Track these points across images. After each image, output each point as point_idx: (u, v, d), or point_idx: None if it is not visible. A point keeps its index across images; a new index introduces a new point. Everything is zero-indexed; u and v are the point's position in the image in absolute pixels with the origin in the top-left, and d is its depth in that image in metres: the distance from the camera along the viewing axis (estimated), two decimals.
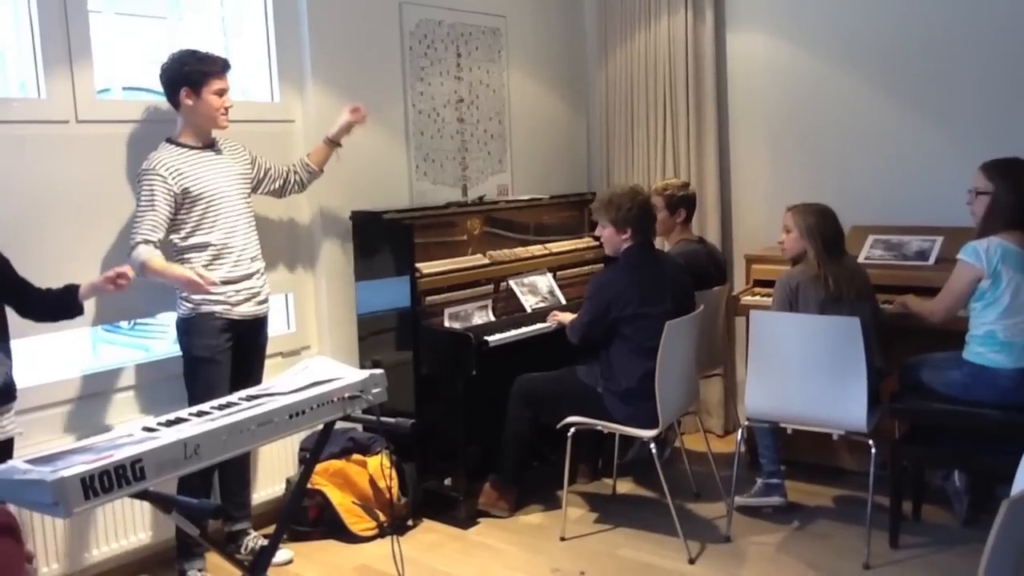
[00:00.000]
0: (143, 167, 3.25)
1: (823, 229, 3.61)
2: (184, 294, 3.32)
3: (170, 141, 3.34)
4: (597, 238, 3.98)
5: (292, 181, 3.77)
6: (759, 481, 3.94)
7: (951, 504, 3.79)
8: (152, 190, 3.21)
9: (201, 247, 3.32)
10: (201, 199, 3.30)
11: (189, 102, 3.30)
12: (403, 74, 4.41)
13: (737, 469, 3.78)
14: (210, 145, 3.42)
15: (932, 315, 3.58)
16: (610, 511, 4.02)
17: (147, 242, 3.18)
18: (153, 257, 3.17)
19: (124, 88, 3.80)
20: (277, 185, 3.73)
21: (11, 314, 2.83)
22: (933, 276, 3.79)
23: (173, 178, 3.23)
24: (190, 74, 3.28)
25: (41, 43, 3.18)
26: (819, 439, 3.85)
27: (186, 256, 3.30)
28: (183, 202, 3.27)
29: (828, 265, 3.56)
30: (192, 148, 3.35)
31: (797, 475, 4.15)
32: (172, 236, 3.28)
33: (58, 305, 2.90)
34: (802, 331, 3.50)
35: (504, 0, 4.96)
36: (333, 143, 3.82)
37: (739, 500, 3.88)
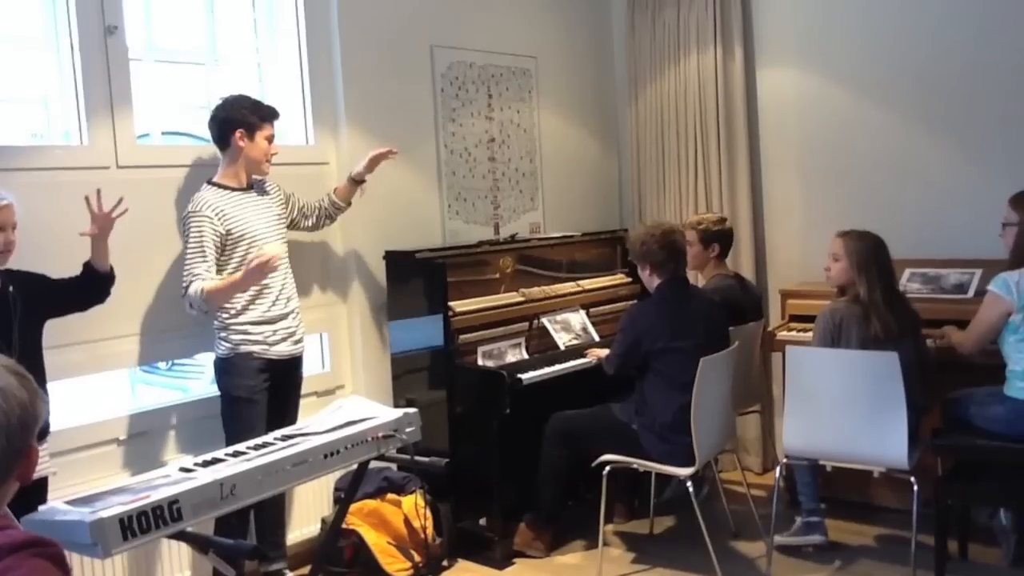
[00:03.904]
0: (189, 210, 3.31)
1: (877, 263, 3.50)
2: (224, 334, 3.37)
3: (211, 183, 3.41)
4: (630, 274, 4.00)
5: (323, 216, 3.84)
6: (799, 519, 3.87)
7: (998, 542, 3.69)
8: (200, 232, 3.27)
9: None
10: (243, 240, 3.36)
11: (241, 144, 3.38)
12: (435, 115, 4.47)
13: (776, 507, 3.72)
14: (250, 187, 3.49)
15: (961, 346, 3.53)
16: (648, 550, 3.97)
17: (200, 279, 3.24)
18: (208, 282, 3.23)
19: (163, 133, 3.88)
20: (311, 222, 3.80)
21: (51, 354, 2.88)
22: (972, 309, 3.71)
23: (219, 219, 3.30)
24: (247, 117, 3.38)
25: (84, 91, 3.26)
26: (859, 476, 3.78)
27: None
28: (226, 243, 3.33)
29: (878, 305, 3.45)
30: (234, 190, 3.41)
31: (837, 513, 4.07)
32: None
33: (90, 284, 2.99)
34: (840, 367, 3.46)
35: (534, 41, 5.02)
36: (356, 182, 3.87)
37: (779, 539, 3.81)
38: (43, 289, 2.87)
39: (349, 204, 3.89)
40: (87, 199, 2.94)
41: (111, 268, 3.03)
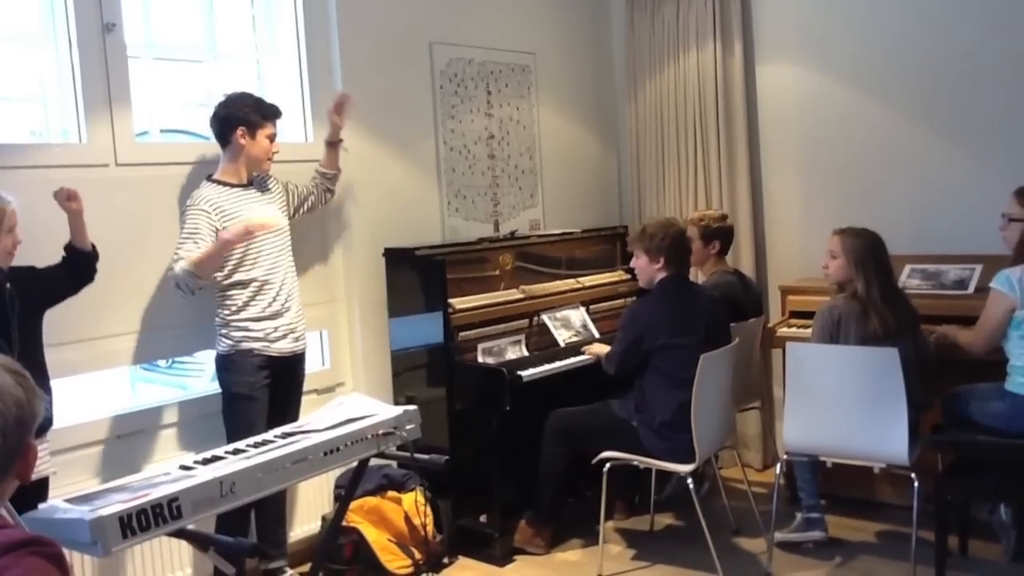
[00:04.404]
0: (187, 203, 3.33)
1: (874, 260, 3.50)
2: (224, 331, 3.37)
3: (212, 179, 3.40)
4: (630, 270, 3.99)
5: (321, 191, 3.82)
6: (799, 516, 3.87)
7: (998, 538, 3.69)
8: (196, 224, 3.28)
9: (244, 284, 3.37)
10: None
11: (243, 142, 3.37)
12: (434, 112, 4.46)
13: (776, 504, 3.72)
14: (250, 183, 3.49)
15: (971, 346, 3.52)
16: (648, 547, 3.97)
17: (183, 260, 3.24)
18: (192, 256, 3.23)
19: (162, 131, 3.88)
20: (310, 203, 3.79)
21: (50, 352, 2.89)
22: (973, 305, 3.72)
23: (216, 214, 3.30)
24: (249, 115, 3.37)
25: (82, 89, 3.26)
26: (859, 472, 3.78)
27: (228, 293, 3.37)
28: None
29: (876, 303, 3.45)
30: (234, 186, 3.41)
31: (837, 509, 4.07)
32: (215, 274, 3.32)
33: (76, 265, 2.99)
34: (840, 363, 3.45)
35: (533, 37, 5.01)
36: (332, 144, 3.84)
37: (779, 535, 3.81)
38: (36, 281, 2.87)
39: (339, 169, 3.87)
40: (56, 195, 2.94)
41: (93, 246, 3.03)
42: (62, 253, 2.99)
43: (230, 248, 3.29)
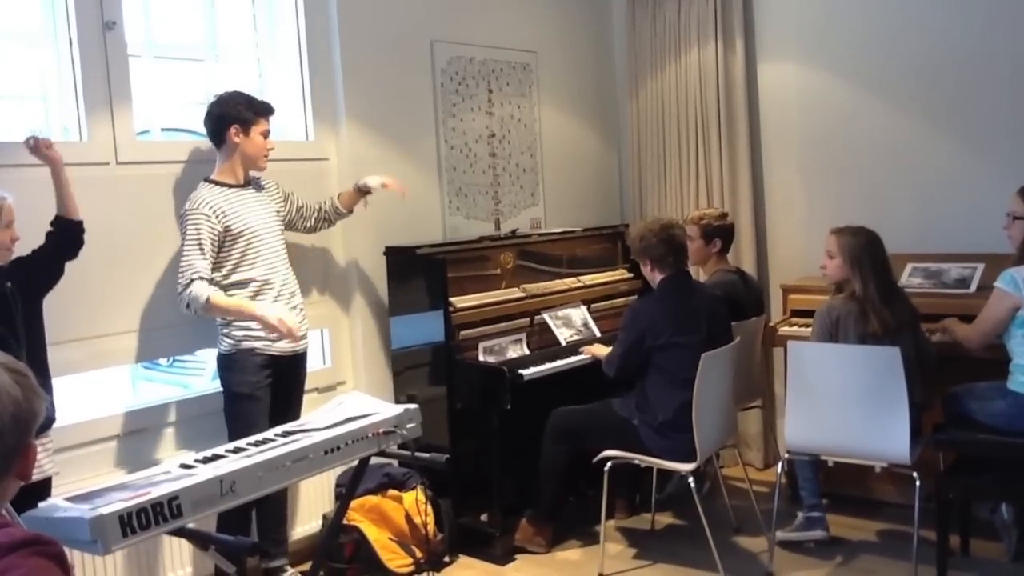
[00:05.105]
0: (186, 207, 3.31)
1: (871, 258, 3.49)
2: (226, 330, 3.37)
3: (209, 181, 3.40)
4: (632, 269, 4.00)
5: (322, 218, 3.83)
6: (800, 515, 3.87)
7: (1000, 537, 3.68)
8: (198, 229, 3.26)
9: (243, 284, 3.37)
10: (242, 236, 3.36)
11: (237, 140, 3.37)
12: (435, 110, 4.46)
13: (778, 502, 3.71)
14: (248, 183, 3.49)
15: (968, 341, 3.51)
16: (649, 546, 3.96)
17: (200, 279, 3.23)
18: (214, 292, 3.24)
19: (163, 129, 3.88)
20: (309, 223, 3.79)
21: (51, 351, 2.89)
22: (974, 304, 3.71)
23: (216, 216, 3.29)
24: (242, 113, 3.37)
25: (83, 87, 3.26)
26: (860, 471, 3.78)
27: (229, 293, 3.35)
28: (224, 240, 3.33)
29: (874, 301, 3.45)
30: (231, 187, 3.41)
31: (838, 508, 4.07)
32: (214, 274, 3.32)
33: (65, 238, 2.95)
34: (841, 362, 3.45)
35: (534, 36, 5.01)
36: (363, 192, 3.86)
37: (780, 534, 3.81)
38: (30, 270, 2.84)
39: (351, 212, 3.89)
40: (27, 143, 2.91)
41: (81, 221, 3.00)
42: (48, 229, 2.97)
43: (251, 319, 3.30)
